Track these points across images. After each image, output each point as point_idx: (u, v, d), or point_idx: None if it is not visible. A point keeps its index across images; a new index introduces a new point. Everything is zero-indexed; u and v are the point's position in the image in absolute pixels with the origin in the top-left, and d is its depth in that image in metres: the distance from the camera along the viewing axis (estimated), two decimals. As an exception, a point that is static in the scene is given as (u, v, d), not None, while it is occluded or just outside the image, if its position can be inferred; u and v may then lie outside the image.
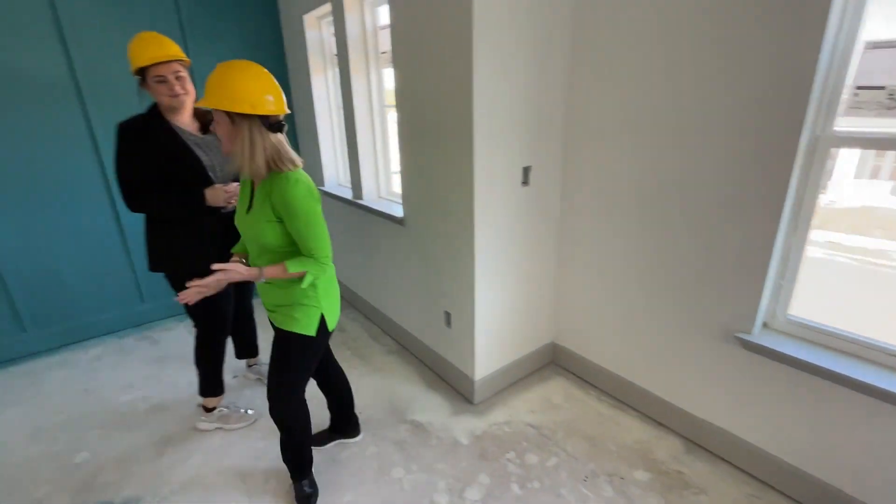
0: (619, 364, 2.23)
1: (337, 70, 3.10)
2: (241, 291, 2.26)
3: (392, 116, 2.71)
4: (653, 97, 1.77)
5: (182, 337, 3.02)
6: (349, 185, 3.27)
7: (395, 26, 2.10)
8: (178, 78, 1.71)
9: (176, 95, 1.72)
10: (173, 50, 1.70)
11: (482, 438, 2.04)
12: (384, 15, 2.54)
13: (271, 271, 1.40)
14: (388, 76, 2.65)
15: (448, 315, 2.30)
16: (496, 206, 2.01)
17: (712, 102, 1.61)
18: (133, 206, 1.76)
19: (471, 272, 2.05)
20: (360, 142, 2.73)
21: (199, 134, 1.85)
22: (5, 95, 2.51)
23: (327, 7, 2.71)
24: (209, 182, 1.82)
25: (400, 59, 2.13)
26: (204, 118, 1.89)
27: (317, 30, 3.03)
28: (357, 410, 2.24)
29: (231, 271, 1.38)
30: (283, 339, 1.53)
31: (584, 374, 2.42)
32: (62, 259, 2.85)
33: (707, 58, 1.59)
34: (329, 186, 3.33)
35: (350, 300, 3.44)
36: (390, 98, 2.68)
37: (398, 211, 2.53)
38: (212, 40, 3.06)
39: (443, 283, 2.28)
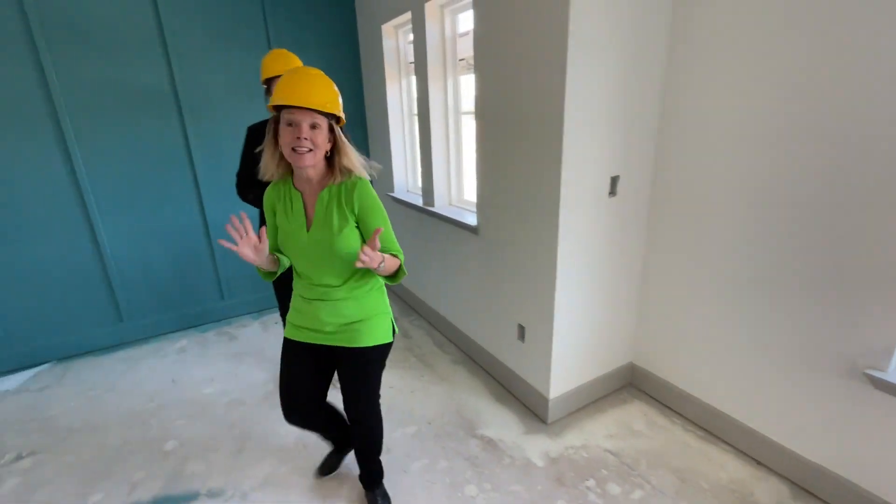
0: (711, 392, 2.04)
1: (410, 78, 3.14)
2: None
3: (467, 123, 2.68)
4: (776, 97, 1.60)
5: (256, 333, 3.16)
6: (418, 191, 3.29)
7: (479, 32, 2.07)
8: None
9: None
10: (296, 66, 1.99)
11: (558, 462, 1.94)
12: (464, 22, 2.53)
13: (391, 262, 1.30)
14: (466, 83, 2.63)
15: (521, 328, 2.22)
16: (581, 216, 1.91)
17: (848, 93, 1.42)
18: (239, 195, 2.09)
19: (551, 285, 1.96)
20: (434, 149, 2.72)
21: None
22: (118, 107, 2.75)
23: (407, 16, 2.74)
24: None
25: (483, 65, 2.10)
26: None
27: (393, 39, 3.08)
28: (426, 421, 2.22)
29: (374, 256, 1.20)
30: (359, 356, 1.44)
31: (667, 400, 2.24)
32: (155, 257, 3.08)
33: (835, 54, 1.41)
34: (398, 192, 3.37)
35: (414, 306, 3.44)
36: (465, 105, 2.66)
37: (471, 219, 2.49)
38: (295, 51, 3.19)
39: (517, 295, 2.20)
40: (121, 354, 2.98)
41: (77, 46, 2.59)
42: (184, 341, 3.12)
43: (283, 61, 2.03)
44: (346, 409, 1.55)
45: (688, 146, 1.91)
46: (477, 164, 2.30)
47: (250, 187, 2.01)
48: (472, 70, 2.45)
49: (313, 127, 1.22)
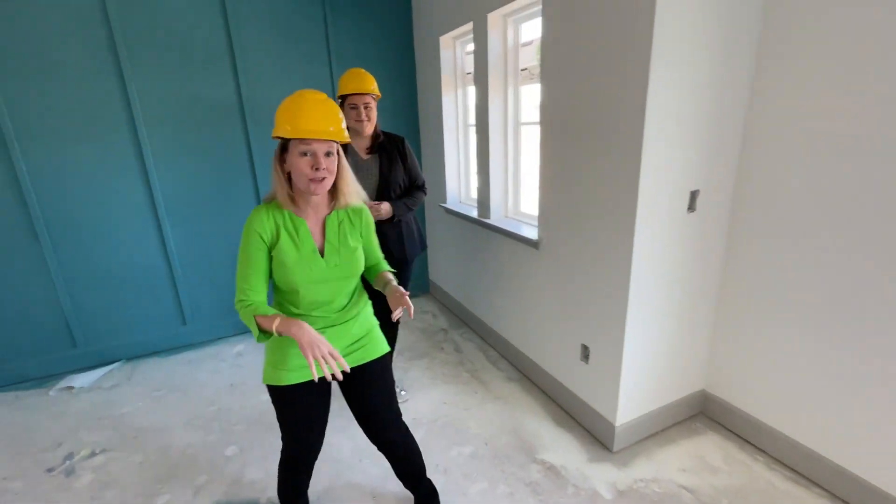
0: (800, 428, 1.85)
1: (467, 89, 3.12)
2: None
3: (526, 134, 2.62)
4: (873, 106, 1.44)
5: (309, 341, 3.19)
6: (471, 203, 3.24)
7: (548, 40, 2.01)
8: (365, 107, 2.08)
9: (360, 121, 2.09)
10: (370, 86, 2.08)
11: (627, 495, 1.81)
12: (527, 31, 2.48)
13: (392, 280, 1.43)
14: (526, 93, 2.57)
15: (586, 349, 2.11)
16: (657, 232, 1.79)
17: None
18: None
19: (622, 304, 1.85)
20: (492, 160, 2.67)
21: (362, 156, 2.14)
22: (188, 119, 2.89)
23: (467, 27, 2.72)
24: None
25: (551, 74, 2.03)
26: (373, 141, 2.17)
27: (451, 50, 3.07)
28: (483, 441, 2.14)
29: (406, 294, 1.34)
30: (374, 368, 1.43)
31: (746, 434, 2.06)
32: (217, 263, 3.18)
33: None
34: (451, 203, 3.34)
35: (465, 319, 3.38)
36: (525, 115, 2.60)
37: (530, 232, 2.41)
38: (355, 64, 3.25)
39: (582, 313, 2.10)
40: (182, 357, 3.09)
41: (154, 61, 2.74)
42: (241, 346, 3.20)
43: (358, 80, 2.08)
44: (377, 434, 1.50)
45: (772, 158, 1.76)
46: (540, 176, 2.23)
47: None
48: (535, 79, 2.39)
49: (328, 154, 1.22)
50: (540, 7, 2.11)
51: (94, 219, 2.80)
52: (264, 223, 1.23)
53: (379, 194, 2.14)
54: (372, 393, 1.44)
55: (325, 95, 1.24)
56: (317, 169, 1.19)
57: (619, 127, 1.71)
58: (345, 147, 1.57)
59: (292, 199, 1.25)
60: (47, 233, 2.71)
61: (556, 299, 2.27)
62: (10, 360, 2.80)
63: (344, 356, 1.31)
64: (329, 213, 1.32)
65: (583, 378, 2.17)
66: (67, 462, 2.13)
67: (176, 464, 2.09)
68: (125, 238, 2.90)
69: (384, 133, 2.21)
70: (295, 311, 1.32)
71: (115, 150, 2.76)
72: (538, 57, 2.34)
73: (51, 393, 2.71)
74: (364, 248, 1.40)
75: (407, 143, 2.26)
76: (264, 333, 1.23)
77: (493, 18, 2.43)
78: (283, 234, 1.25)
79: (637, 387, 2.00)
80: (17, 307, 2.75)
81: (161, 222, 2.95)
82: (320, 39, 3.12)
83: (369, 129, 2.13)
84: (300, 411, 1.36)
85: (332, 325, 1.35)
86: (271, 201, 1.27)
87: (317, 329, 1.27)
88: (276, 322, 1.17)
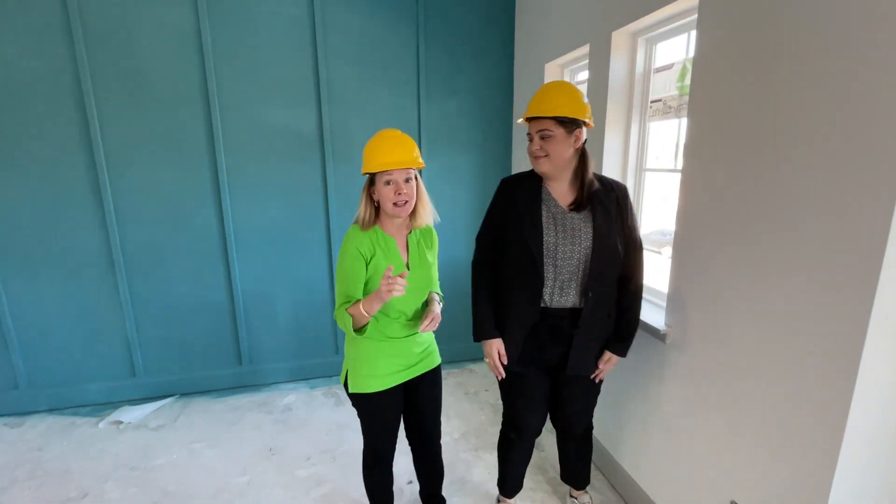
0: None
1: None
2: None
3: (652, 182, 2.02)
4: None
5: (364, 402, 2.78)
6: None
7: (702, 60, 1.44)
8: (542, 136, 1.44)
9: (537, 158, 1.47)
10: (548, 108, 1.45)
11: None
12: (663, 54, 1.92)
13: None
14: (657, 130, 1.99)
15: (739, 510, 1.40)
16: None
17: None
18: (475, 269, 1.65)
19: (830, 452, 1.13)
20: (602, 213, 2.09)
21: (566, 208, 1.49)
22: (267, 149, 2.73)
23: (581, 51, 2.23)
24: (534, 267, 1.48)
25: (705, 104, 1.45)
26: (586, 191, 1.47)
27: (557, 79, 2.59)
28: None
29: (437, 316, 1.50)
30: (435, 375, 1.65)
31: None
32: (280, 303, 2.95)
33: None
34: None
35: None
36: (653, 158, 2.01)
37: (655, 318, 1.77)
38: (443, 96, 2.93)
39: (738, 453, 1.40)
40: (233, 401, 2.85)
41: (241, 92, 2.63)
42: (292, 396, 2.89)
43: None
44: (424, 441, 1.71)
45: None
46: (676, 240, 1.61)
47: (486, 264, 1.61)
48: (671, 114, 1.81)
49: (407, 181, 1.41)
50: (694, 18, 1.55)
51: (165, 247, 2.71)
52: (362, 240, 1.43)
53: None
54: (424, 400, 1.63)
55: (399, 132, 1.44)
56: (398, 194, 1.39)
57: (845, 173, 1.07)
58: (582, 205, 1.50)
59: (380, 222, 1.47)
60: (122, 258, 2.66)
61: (691, 422, 1.59)
62: (72, 383, 2.76)
63: (416, 364, 1.57)
64: (409, 233, 1.53)
65: (730, 551, 1.44)
66: (82, 524, 1.89)
67: (184, 555, 1.74)
68: (193, 269, 2.78)
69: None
70: (384, 317, 1.50)
71: (194, 178, 2.67)
72: (680, 84, 1.77)
73: (100, 425, 2.59)
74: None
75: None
76: (358, 329, 1.43)
77: (619, 38, 1.92)
78: (378, 250, 1.45)
79: None
80: (86, 331, 2.71)
81: (230, 257, 2.79)
82: (410, 68, 2.84)
83: (565, 170, 1.49)
84: (385, 414, 1.56)
85: (411, 334, 1.53)
86: (362, 223, 1.45)
87: (399, 338, 1.52)
88: (361, 304, 1.38)
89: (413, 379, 1.58)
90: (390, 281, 1.28)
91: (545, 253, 1.47)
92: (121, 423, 2.60)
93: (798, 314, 1.19)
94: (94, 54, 2.42)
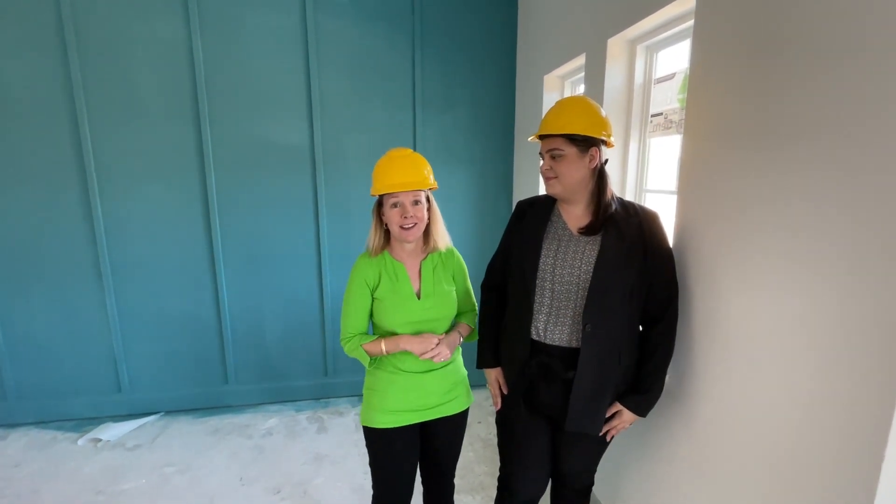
0: None
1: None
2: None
3: (651, 204, 1.81)
4: None
5: (349, 430, 2.63)
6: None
7: (697, 69, 1.25)
8: (552, 155, 1.29)
9: (547, 179, 1.32)
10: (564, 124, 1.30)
11: None
12: (665, 62, 1.73)
13: (464, 330, 1.50)
14: (657, 146, 1.79)
15: None
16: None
17: None
18: (481, 291, 1.55)
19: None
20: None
21: (575, 231, 1.32)
22: (256, 164, 2.67)
23: (578, 61, 2.06)
24: (526, 290, 1.34)
25: (703, 122, 1.25)
26: (602, 215, 1.29)
27: (557, 92, 2.43)
28: None
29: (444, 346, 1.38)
30: (459, 420, 1.51)
31: None
32: (268, 321, 2.86)
33: None
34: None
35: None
36: (653, 178, 1.81)
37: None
38: (441, 109, 2.80)
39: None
40: (214, 421, 2.75)
41: (231, 105, 2.59)
42: (274, 420, 2.77)
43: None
44: (435, 483, 1.58)
45: None
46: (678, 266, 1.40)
47: (494, 289, 1.51)
48: (673, 129, 1.62)
49: (415, 203, 1.33)
50: (690, 23, 1.37)
51: (154, 262, 2.67)
52: (368, 270, 1.38)
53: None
54: (441, 446, 1.50)
55: (409, 151, 1.38)
56: (405, 217, 1.31)
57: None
58: (597, 228, 1.31)
59: (390, 247, 1.41)
60: (110, 272, 2.63)
61: (700, 484, 1.36)
62: (59, 396, 2.73)
63: (435, 406, 1.42)
64: (424, 258, 1.43)
65: None
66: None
67: None
68: (181, 286, 2.72)
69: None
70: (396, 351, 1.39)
71: (182, 194, 2.63)
72: (682, 96, 1.58)
73: (79, 442, 2.54)
74: (457, 291, 1.47)
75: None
76: (373, 358, 1.39)
77: (616, 45, 1.74)
78: (384, 278, 1.38)
79: None
80: (73, 345, 2.68)
81: (217, 273, 2.73)
82: (405, 79, 2.73)
83: (577, 189, 1.32)
84: (394, 456, 1.43)
85: (432, 370, 1.41)
86: (371, 249, 1.40)
87: (416, 372, 1.40)
88: (383, 344, 1.34)
89: (432, 420, 1.45)
90: (432, 349, 1.31)
91: (541, 276, 1.31)
92: (99, 440, 2.55)
93: (829, 369, 0.97)
94: (87, 68, 2.42)
